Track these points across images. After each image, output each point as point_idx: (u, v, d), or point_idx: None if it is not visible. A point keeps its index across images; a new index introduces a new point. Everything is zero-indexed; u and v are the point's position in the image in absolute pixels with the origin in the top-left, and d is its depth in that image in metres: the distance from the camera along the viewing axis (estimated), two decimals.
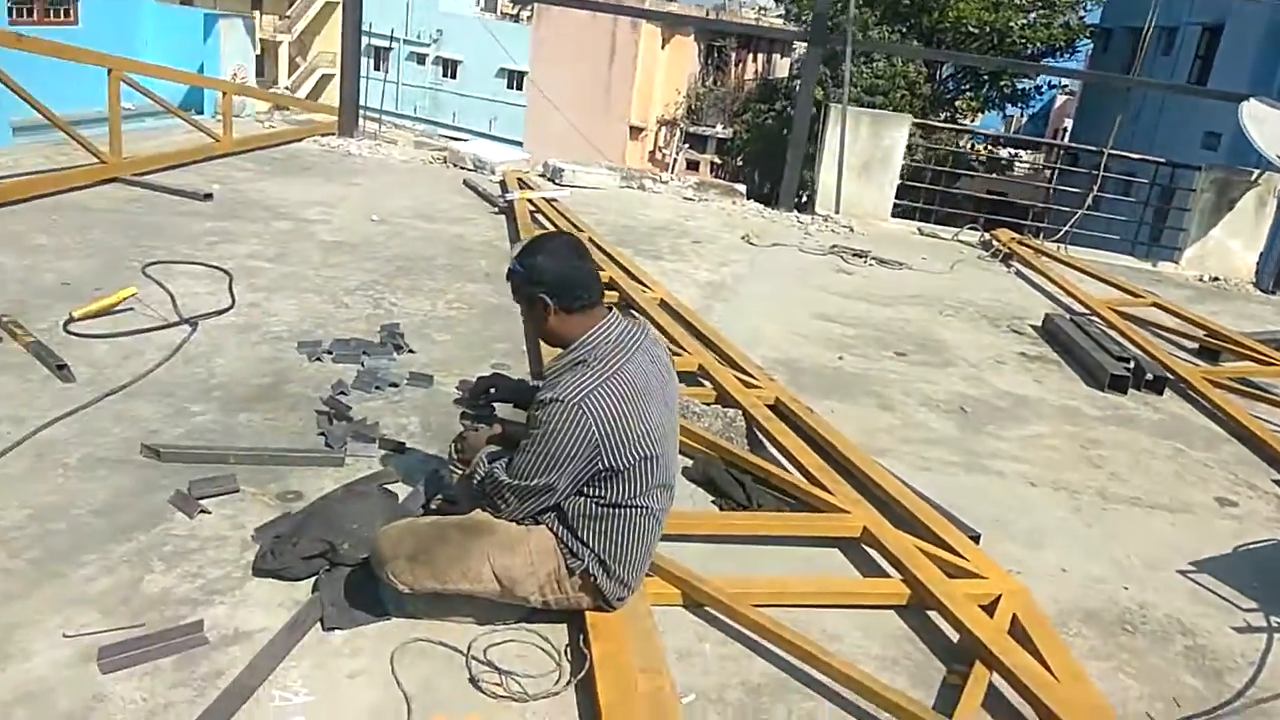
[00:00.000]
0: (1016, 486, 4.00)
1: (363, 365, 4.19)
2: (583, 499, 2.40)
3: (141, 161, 7.36)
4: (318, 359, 4.21)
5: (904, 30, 25.85)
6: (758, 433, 3.98)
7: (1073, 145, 20.19)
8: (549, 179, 9.06)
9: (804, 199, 9.57)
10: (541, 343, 3.41)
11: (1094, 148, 10.06)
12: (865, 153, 9.34)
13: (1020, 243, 8.75)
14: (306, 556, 2.62)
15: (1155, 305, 7.11)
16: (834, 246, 8.08)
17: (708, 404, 4.14)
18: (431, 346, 4.59)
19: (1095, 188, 9.14)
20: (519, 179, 8.65)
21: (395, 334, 4.57)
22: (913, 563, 2.97)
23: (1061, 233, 9.24)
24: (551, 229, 6.90)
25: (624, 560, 2.46)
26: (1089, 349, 5.81)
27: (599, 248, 6.42)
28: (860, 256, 7.84)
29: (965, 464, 4.15)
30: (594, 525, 2.42)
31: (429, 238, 6.63)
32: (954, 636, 2.83)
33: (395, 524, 2.51)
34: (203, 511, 2.92)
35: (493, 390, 2.90)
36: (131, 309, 4.49)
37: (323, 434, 3.51)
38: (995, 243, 9.06)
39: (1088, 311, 6.90)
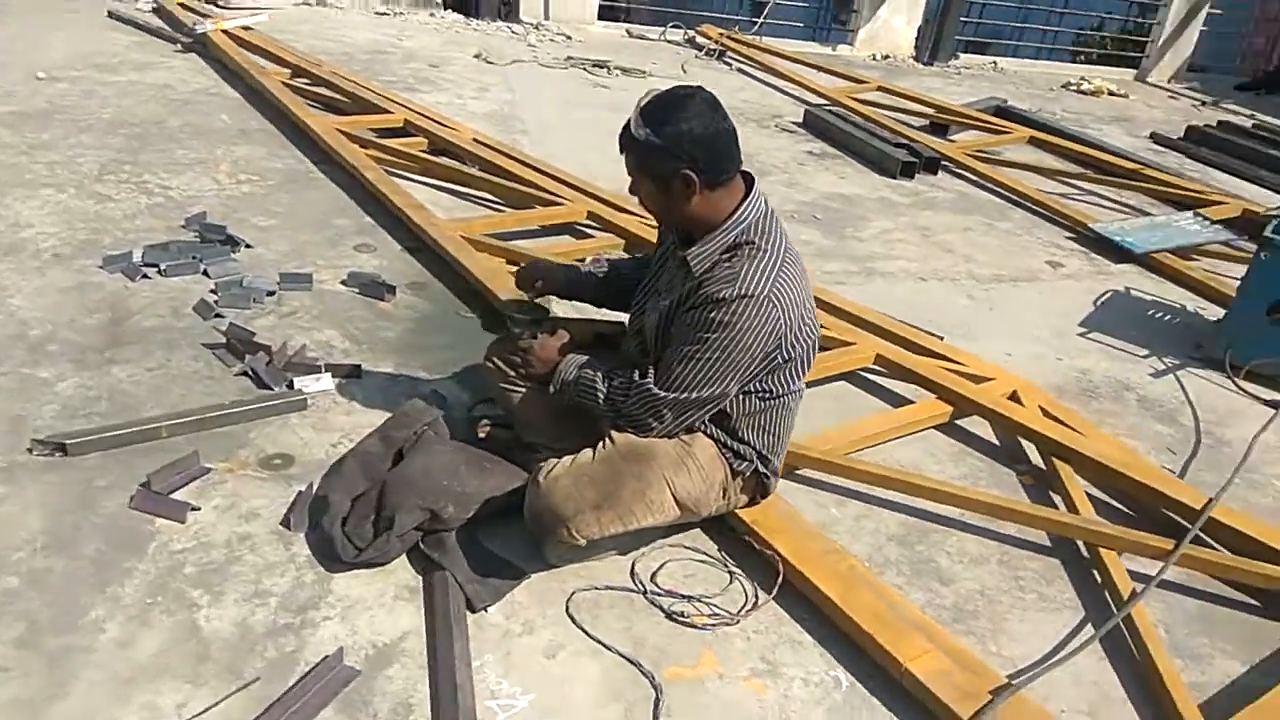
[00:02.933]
0: (914, 285, 4.21)
1: (208, 274, 3.31)
2: (745, 396, 2.11)
3: None
4: (145, 276, 3.24)
5: None
6: None
7: None
8: (215, 3, 7.50)
9: (506, 6, 8.85)
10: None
11: None
12: None
13: (729, 38, 8.87)
14: (405, 533, 2.09)
15: (880, 89, 7.63)
16: (569, 59, 7.65)
17: (611, 254, 3.82)
18: (263, 234, 3.72)
19: None
20: (181, 3, 7.08)
21: (213, 227, 3.64)
22: (940, 378, 3.05)
23: (757, 25, 9.48)
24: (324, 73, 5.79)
25: (780, 450, 2.24)
26: (865, 140, 6.14)
27: (356, 87, 5.51)
28: (602, 67, 7.50)
29: (862, 271, 4.27)
30: (755, 421, 2.15)
31: (130, 93, 5.25)
32: (993, 439, 2.98)
33: (554, 473, 2.05)
34: (191, 509, 2.20)
35: (539, 284, 2.43)
36: None
37: (245, 373, 2.75)
38: (704, 40, 9.13)
39: (827, 102, 7.25)
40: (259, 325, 3.04)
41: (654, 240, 3.68)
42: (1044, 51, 11.80)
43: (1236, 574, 2.33)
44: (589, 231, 4.08)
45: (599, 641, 2.00)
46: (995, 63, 10.54)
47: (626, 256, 2.53)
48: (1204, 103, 10.15)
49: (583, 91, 6.78)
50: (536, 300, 2.47)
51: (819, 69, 8.17)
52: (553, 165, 4.75)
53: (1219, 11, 11.32)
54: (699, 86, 2.04)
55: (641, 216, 4.04)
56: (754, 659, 2.01)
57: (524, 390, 2.38)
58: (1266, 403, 3.45)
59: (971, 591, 2.30)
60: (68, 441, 2.32)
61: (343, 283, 3.40)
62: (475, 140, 4.93)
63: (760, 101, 7.27)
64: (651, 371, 2.08)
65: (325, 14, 8.08)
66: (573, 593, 2.12)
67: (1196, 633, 2.25)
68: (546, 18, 8.78)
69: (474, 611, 2.02)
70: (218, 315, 3.04)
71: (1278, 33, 12.03)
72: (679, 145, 1.96)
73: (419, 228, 3.71)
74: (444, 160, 4.61)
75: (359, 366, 2.85)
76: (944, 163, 5.99)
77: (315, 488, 2.32)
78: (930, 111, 7.11)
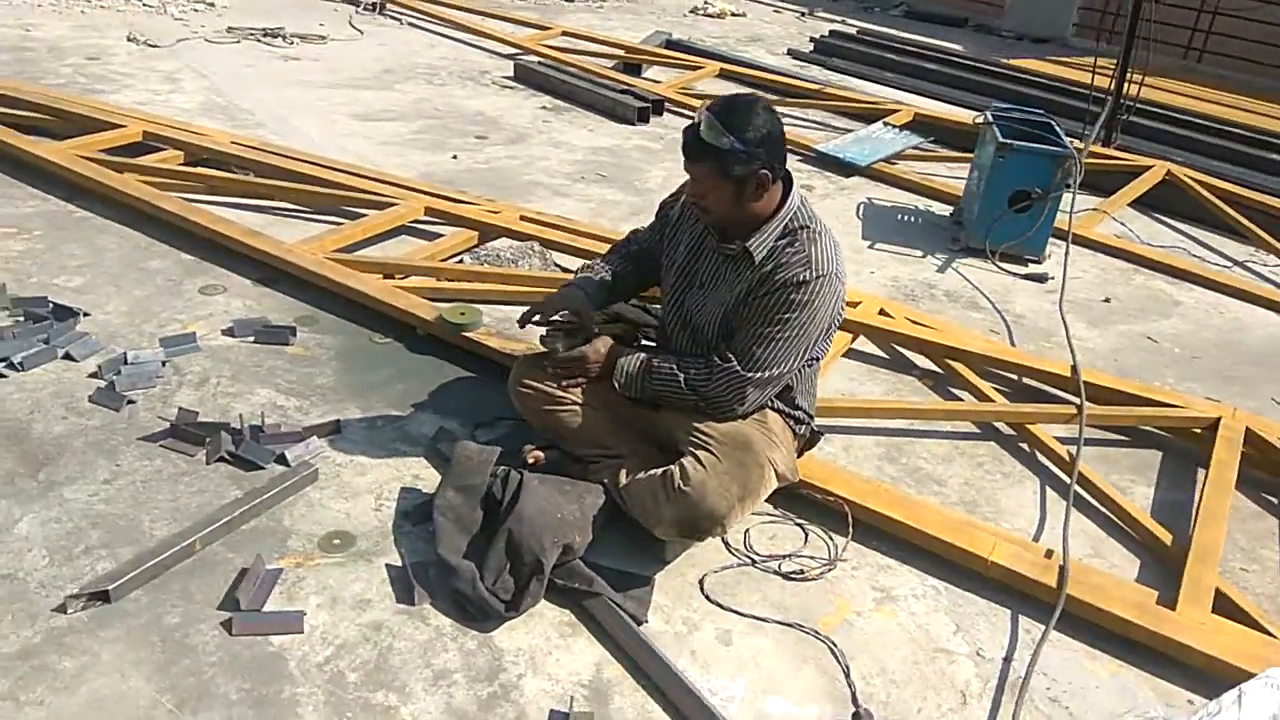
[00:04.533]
0: None
1: (72, 357, 2.83)
2: (802, 365, 2.37)
3: None
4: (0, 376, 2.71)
5: None
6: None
7: None
8: None
9: None
10: None
11: None
12: None
13: None
14: (552, 571, 2.12)
15: (565, 34, 7.84)
16: (230, 29, 6.97)
17: (495, 244, 3.80)
18: (83, 297, 3.20)
19: None
20: None
21: (29, 300, 3.06)
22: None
23: None
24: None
25: (814, 405, 2.54)
26: (591, 90, 6.38)
27: (57, 100, 4.70)
28: (275, 36, 6.94)
29: None
30: (802, 385, 2.43)
31: None
32: (883, 354, 3.51)
33: (695, 477, 2.14)
34: (300, 614, 2.04)
35: (572, 319, 2.45)
36: None
37: (222, 458, 2.48)
38: None
39: (521, 52, 7.36)
40: (183, 402, 2.70)
41: (506, 225, 3.74)
42: None
43: (1118, 420, 3.06)
44: (435, 230, 3.97)
45: (755, 617, 2.20)
46: None
47: (607, 256, 2.58)
48: (803, 14, 11.56)
49: (278, 67, 6.27)
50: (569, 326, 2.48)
51: (489, 15, 8.19)
52: (336, 160, 4.48)
53: None
54: (752, 92, 2.19)
55: (480, 205, 4.01)
56: (869, 591, 2.34)
57: (572, 407, 2.43)
58: (1026, 277, 4.35)
59: (961, 484, 2.80)
60: (109, 587, 2.01)
61: (227, 333, 3.07)
62: (235, 144, 4.48)
63: (460, 58, 7.18)
64: (730, 355, 2.25)
65: None
66: (699, 580, 2.29)
67: (1112, 472, 2.94)
68: None
69: (639, 624, 2.13)
70: (130, 402, 2.66)
71: None
72: (759, 147, 2.13)
73: (275, 259, 3.41)
74: (228, 174, 4.16)
75: (338, 422, 2.67)
76: (665, 104, 6.42)
77: (407, 557, 2.23)
78: (620, 53, 7.49)
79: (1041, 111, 4.99)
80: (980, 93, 7.70)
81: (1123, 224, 5.19)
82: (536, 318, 2.45)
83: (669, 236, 2.49)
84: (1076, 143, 4.77)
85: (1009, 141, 4.36)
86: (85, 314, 3.07)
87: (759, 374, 2.24)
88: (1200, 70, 9.92)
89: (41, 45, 6.04)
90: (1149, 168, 5.60)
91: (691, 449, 2.24)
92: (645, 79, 7.10)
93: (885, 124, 6.19)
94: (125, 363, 2.80)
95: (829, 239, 2.26)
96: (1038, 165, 4.35)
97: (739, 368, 2.24)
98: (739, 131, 2.11)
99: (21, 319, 2.98)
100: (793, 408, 2.42)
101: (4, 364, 2.73)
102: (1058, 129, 4.76)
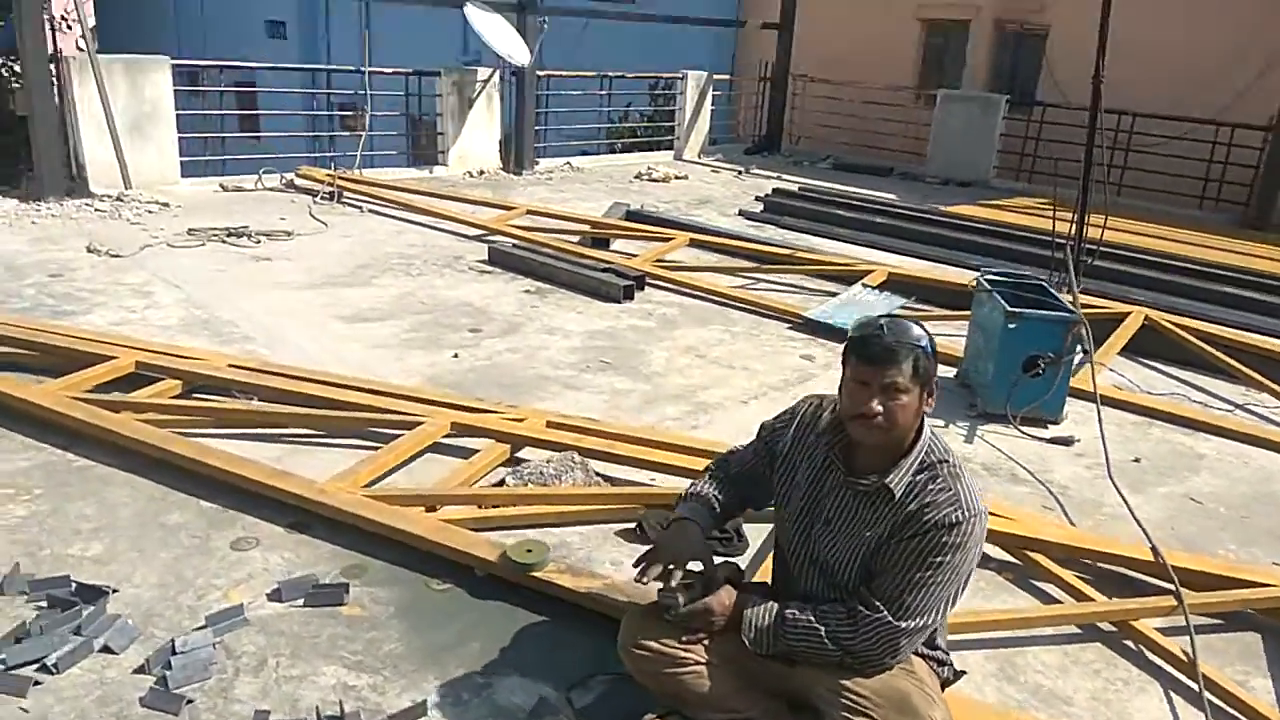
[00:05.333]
0: (747, 409, 4.52)
1: (111, 649, 2.52)
2: None
3: None
4: (36, 684, 2.38)
5: None
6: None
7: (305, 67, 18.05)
8: None
9: (72, 181, 7.58)
10: None
11: (333, 67, 10.01)
12: (132, 110, 7.74)
13: (342, 178, 8.55)
14: None
15: (529, 212, 7.91)
16: (191, 231, 6.82)
17: (534, 461, 3.62)
18: (105, 568, 2.90)
19: (368, 111, 9.20)
20: None
21: (49, 582, 2.76)
22: None
23: (357, 159, 9.23)
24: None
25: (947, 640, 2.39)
26: (570, 270, 6.38)
27: (33, 332, 4.45)
28: (239, 235, 6.82)
29: (694, 409, 4.49)
30: (941, 622, 2.29)
31: None
32: None
33: None
34: None
35: (682, 567, 2.28)
36: None
37: None
38: (305, 181, 8.70)
39: (486, 232, 7.39)
40: (243, 693, 2.41)
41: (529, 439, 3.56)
42: (595, 146, 13.04)
43: (1218, 607, 2.98)
44: (464, 446, 3.78)
45: None
46: (570, 163, 11.41)
47: (695, 489, 2.44)
48: (740, 172, 11.99)
49: (250, 269, 6.12)
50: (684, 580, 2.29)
51: (444, 196, 8.24)
52: (341, 375, 4.30)
53: (717, 93, 13.46)
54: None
55: (502, 412, 3.87)
56: None
57: (696, 667, 2.24)
58: (1053, 441, 4.34)
59: (1088, 699, 2.65)
60: None
61: (273, 597, 2.80)
62: (232, 366, 4.27)
63: (429, 244, 7.15)
64: (877, 603, 2.10)
65: None
66: None
67: (1224, 664, 2.84)
68: (128, 187, 7.68)
69: None
70: (188, 701, 2.36)
71: (755, 112, 14.55)
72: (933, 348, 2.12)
73: (309, 501, 3.17)
74: (234, 403, 3.94)
75: (424, 703, 2.41)
76: (646, 279, 6.44)
77: None
78: (586, 228, 7.57)
79: (1030, 273, 5.13)
80: (931, 243, 7.98)
81: (1119, 374, 5.29)
82: (658, 571, 2.27)
83: (781, 468, 2.37)
84: (1066, 297, 4.90)
85: (1019, 310, 4.43)
86: (113, 590, 2.77)
87: (912, 622, 2.09)
88: (1122, 204, 10.50)
89: None
90: (1126, 314, 5.78)
91: (845, 713, 2.06)
92: (615, 251, 7.17)
93: (864, 285, 6.30)
94: (175, 652, 2.50)
95: (965, 472, 2.17)
96: (1047, 331, 4.42)
97: (889, 617, 2.09)
98: (920, 335, 2.10)
99: (44, 605, 2.66)
100: (932, 648, 2.27)
101: (36, 667, 2.41)
102: (1049, 288, 4.90)
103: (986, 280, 4.91)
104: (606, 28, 13.92)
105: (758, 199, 9.92)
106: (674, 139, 12.95)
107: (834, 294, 6.39)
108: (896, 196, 10.74)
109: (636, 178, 10.95)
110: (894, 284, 6.41)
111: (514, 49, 9.68)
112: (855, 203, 9.26)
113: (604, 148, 13.23)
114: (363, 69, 8.86)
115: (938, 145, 12.28)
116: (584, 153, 12.05)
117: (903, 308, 6.04)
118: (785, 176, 11.64)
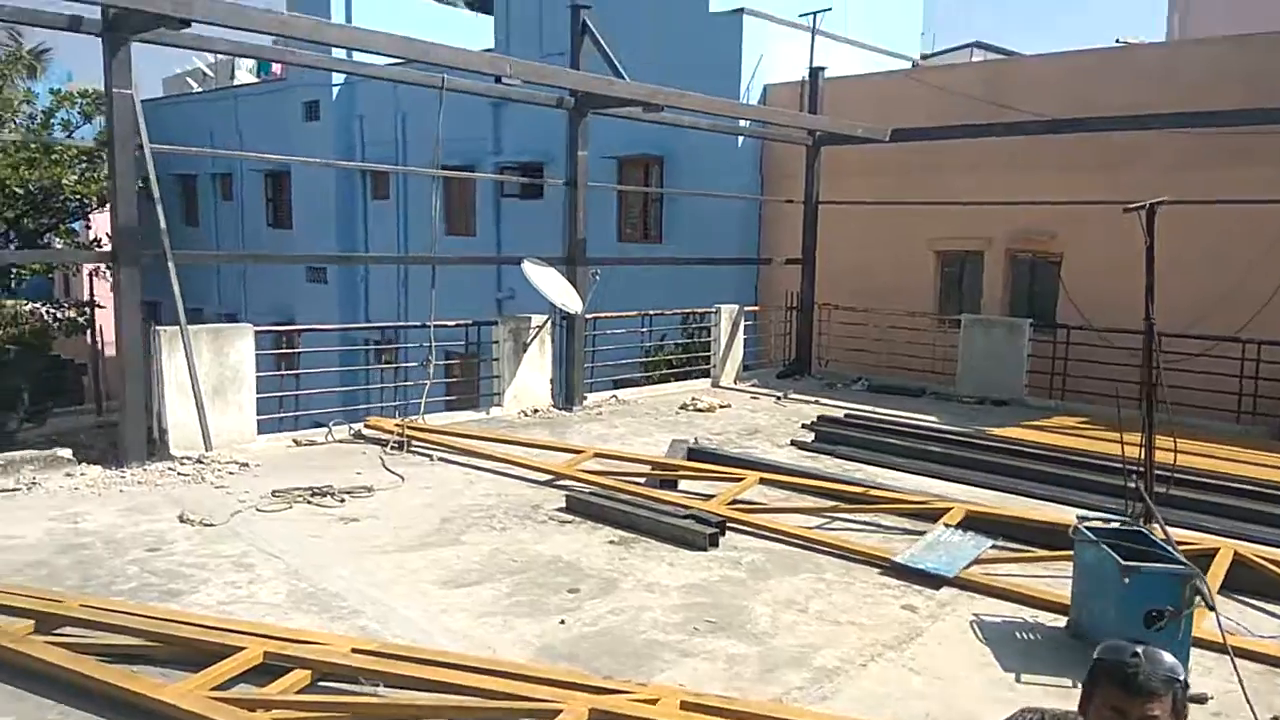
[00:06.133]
0: (881, 680, 4.48)
1: None
2: None
3: None
4: None
5: None
6: None
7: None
8: None
9: (152, 444, 7.82)
10: None
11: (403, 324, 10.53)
12: (215, 374, 8.09)
13: (411, 426, 8.80)
14: None
15: (597, 455, 8.09)
16: (276, 493, 6.96)
17: None
18: None
19: (433, 360, 9.60)
20: None
21: None
22: None
23: (422, 405, 9.52)
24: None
25: None
26: (651, 517, 6.47)
27: (153, 623, 4.49)
28: (323, 494, 6.95)
29: (815, 677, 4.43)
30: None
31: None
32: None
33: None
34: None
35: None
36: None
37: None
38: (373, 431, 8.94)
39: (555, 477, 7.54)
40: None
41: None
42: (632, 373, 13.48)
43: None
44: None
45: None
46: (615, 395, 11.76)
47: None
48: (779, 398, 12.31)
49: (341, 533, 6.20)
50: None
51: (506, 441, 8.46)
52: (462, 655, 4.30)
53: (749, 322, 14.04)
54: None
55: (634, 692, 3.85)
56: None
57: None
58: (1191, 699, 4.27)
59: None
60: None
61: None
62: (356, 651, 4.27)
63: (503, 492, 7.27)
64: None
65: None
66: None
67: None
68: (209, 448, 7.91)
69: None
70: None
71: (783, 339, 15.11)
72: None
73: None
74: (360, 696, 3.92)
75: None
76: (726, 524, 6.51)
77: None
78: (647, 470, 7.71)
79: (1124, 518, 5.21)
80: (992, 471, 8.10)
81: (1225, 616, 5.25)
82: None
83: None
84: (1158, 530, 4.96)
85: (1134, 564, 4.48)
86: None
87: None
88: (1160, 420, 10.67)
89: (95, 539, 5.87)
90: (1214, 550, 5.79)
91: None
92: (685, 492, 7.28)
93: (946, 525, 6.36)
94: None
95: None
96: (1164, 585, 4.45)
97: None
98: (1172, 666, 2.15)
99: None
100: None
101: None
102: (1148, 534, 4.97)
103: (1083, 524, 4.99)
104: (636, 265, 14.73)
105: (804, 426, 10.15)
106: (710, 367, 13.37)
107: (913, 532, 6.45)
108: (937, 418, 11.00)
109: (682, 408, 11.24)
110: (973, 522, 6.47)
111: (568, 299, 10.21)
112: (906, 429, 9.48)
113: (641, 375, 13.66)
114: (429, 323, 9.30)
115: (967, 366, 12.66)
116: (617, 384, 12.43)
117: (992, 548, 6.07)
118: (823, 401, 11.97)
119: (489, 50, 15.89)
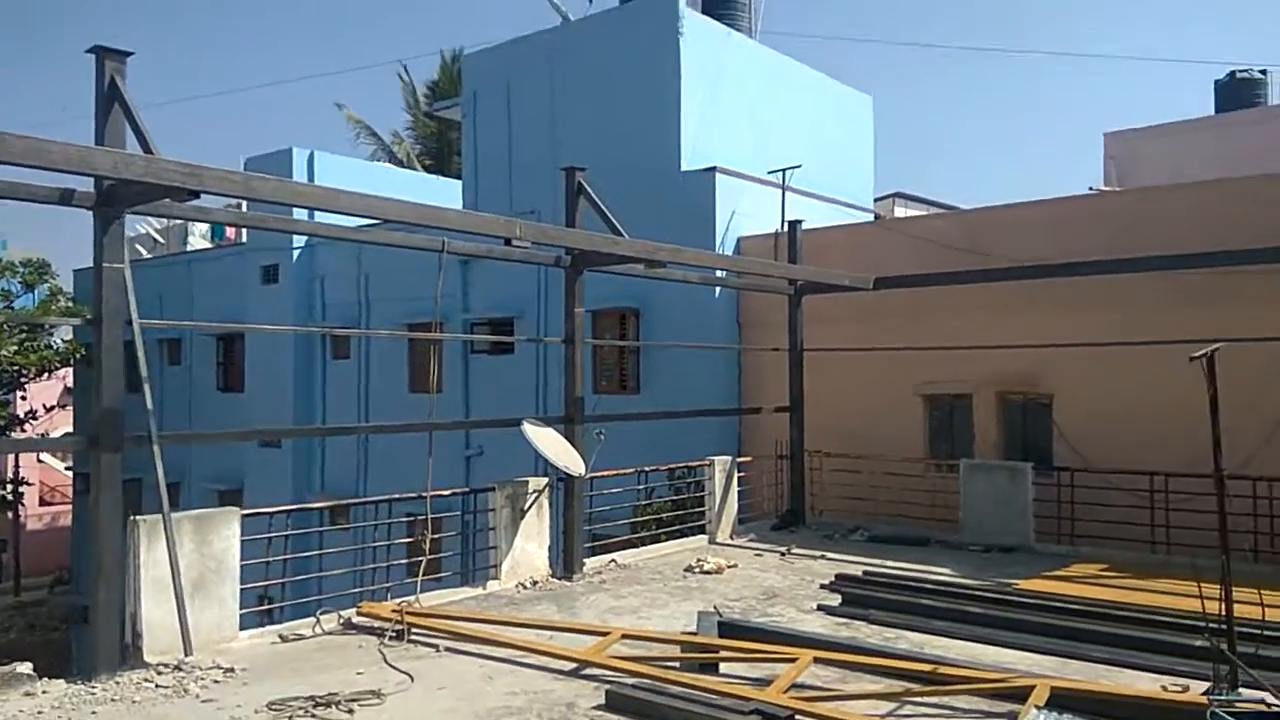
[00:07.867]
0: None
1: None
2: None
3: None
4: None
5: None
6: None
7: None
8: None
9: (125, 650, 6.91)
10: None
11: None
12: (197, 566, 7.27)
13: (409, 612, 8.00)
14: None
15: (624, 636, 7.39)
16: (271, 705, 6.11)
17: None
18: None
19: (429, 534, 8.90)
20: None
21: None
22: None
23: (418, 586, 8.73)
24: None
25: None
26: (714, 716, 5.78)
27: None
28: (329, 705, 6.12)
29: None
30: None
31: None
32: None
33: None
34: None
35: None
36: None
37: None
38: (365, 619, 8.13)
39: (583, 664, 6.84)
40: None
41: None
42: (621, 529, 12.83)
43: None
44: None
45: None
46: (614, 560, 11.08)
47: None
48: (783, 553, 11.73)
49: None
50: None
51: (513, 624, 7.73)
52: None
53: (741, 474, 13.57)
54: None
55: None
56: None
57: None
58: None
59: None
60: None
61: None
62: None
63: (530, 688, 6.50)
64: None
65: None
66: None
67: None
68: (189, 653, 7.01)
69: None
70: None
71: (774, 489, 14.71)
72: None
73: None
74: None
75: None
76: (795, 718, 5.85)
77: None
78: (681, 651, 7.04)
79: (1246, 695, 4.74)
80: (1041, 633, 7.60)
81: None
82: None
83: None
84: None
85: None
86: None
87: None
88: (1175, 563, 10.25)
89: None
90: None
91: None
92: (728, 676, 6.63)
93: (1036, 707, 5.79)
94: None
95: None
96: None
97: None
98: None
99: None
100: None
101: None
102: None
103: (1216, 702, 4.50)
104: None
105: (823, 587, 9.61)
106: (705, 523, 12.79)
107: (994, 714, 5.87)
108: (951, 570, 10.53)
109: (688, 570, 10.59)
110: (1061, 699, 5.90)
111: (570, 460, 9.67)
112: (936, 588, 8.97)
113: (630, 534, 13.03)
114: (425, 493, 8.65)
115: (970, 512, 12.29)
116: (598, 541, 11.79)
117: None
118: (829, 555, 11.44)
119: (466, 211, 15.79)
